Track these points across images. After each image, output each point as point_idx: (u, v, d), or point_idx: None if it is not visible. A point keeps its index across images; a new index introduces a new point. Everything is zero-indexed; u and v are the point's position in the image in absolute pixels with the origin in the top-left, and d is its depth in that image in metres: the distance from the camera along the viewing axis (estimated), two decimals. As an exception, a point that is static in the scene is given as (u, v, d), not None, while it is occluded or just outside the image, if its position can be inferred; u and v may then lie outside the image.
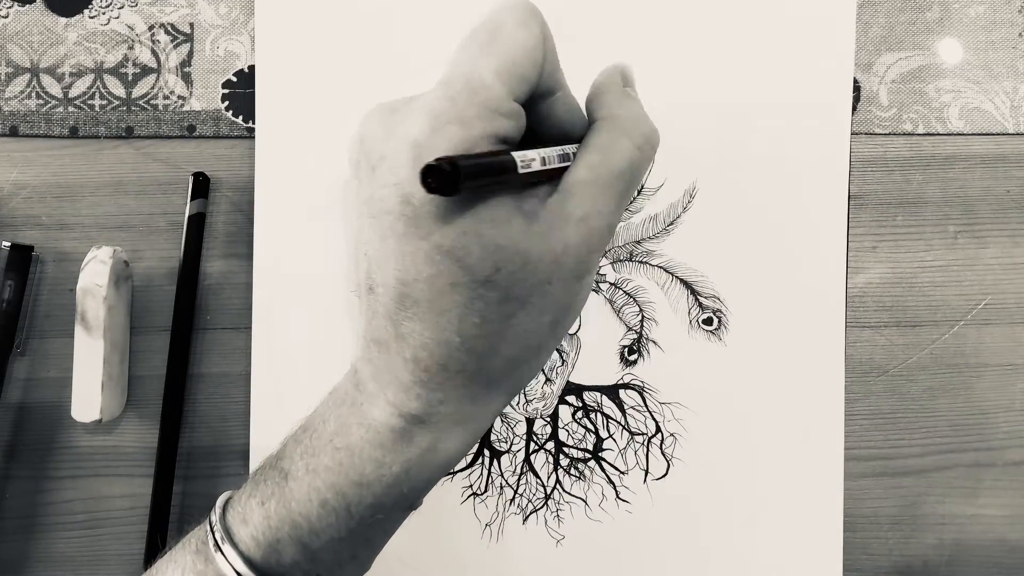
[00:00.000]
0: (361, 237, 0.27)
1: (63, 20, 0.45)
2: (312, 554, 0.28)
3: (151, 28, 0.45)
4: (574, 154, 0.28)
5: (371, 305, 0.27)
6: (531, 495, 0.44)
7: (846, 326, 0.44)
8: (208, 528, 0.29)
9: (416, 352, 0.26)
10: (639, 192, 0.44)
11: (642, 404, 0.44)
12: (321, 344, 0.44)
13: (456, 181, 0.22)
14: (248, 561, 0.28)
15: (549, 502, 0.44)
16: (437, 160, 0.22)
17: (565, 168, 0.27)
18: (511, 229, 0.25)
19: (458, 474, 0.44)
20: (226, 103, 0.45)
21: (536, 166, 0.26)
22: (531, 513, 0.44)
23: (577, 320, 0.44)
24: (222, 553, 0.28)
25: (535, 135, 0.28)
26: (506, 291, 0.26)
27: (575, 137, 0.29)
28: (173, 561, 0.30)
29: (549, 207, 0.27)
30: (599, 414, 0.44)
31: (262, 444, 0.43)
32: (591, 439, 0.44)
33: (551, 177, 0.27)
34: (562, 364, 0.44)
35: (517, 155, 0.25)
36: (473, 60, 0.25)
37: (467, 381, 0.27)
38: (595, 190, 0.27)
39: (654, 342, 0.44)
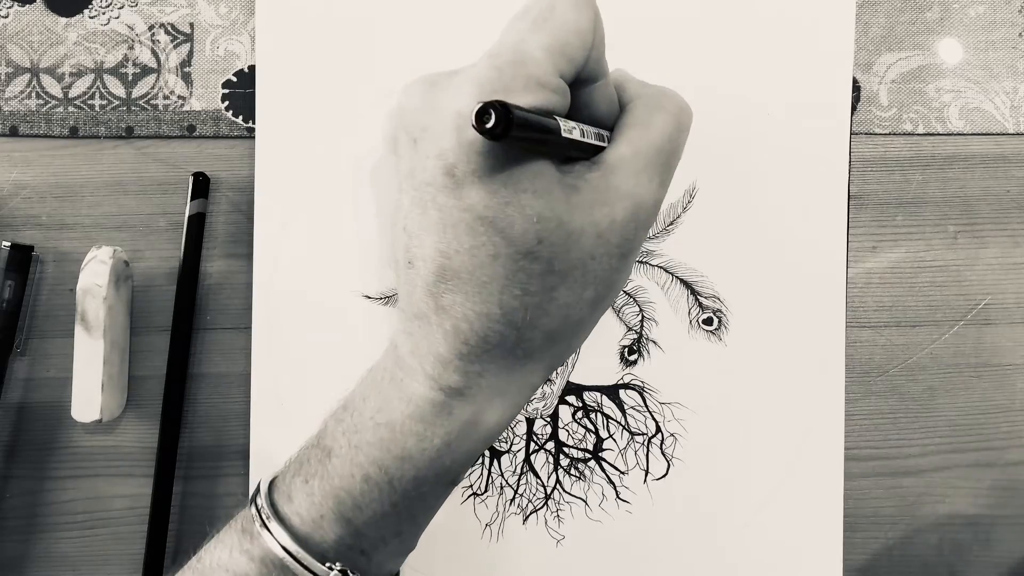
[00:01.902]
0: (399, 212, 0.27)
1: (63, 20, 0.45)
2: (356, 530, 0.28)
3: (151, 28, 0.45)
4: (609, 137, 0.28)
5: (410, 279, 0.27)
6: (531, 495, 0.44)
7: (846, 326, 0.44)
8: (255, 507, 0.29)
9: (457, 324, 0.26)
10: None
11: (642, 404, 0.44)
12: (321, 344, 0.44)
13: (509, 124, 0.22)
14: (294, 537, 0.28)
15: (549, 502, 0.44)
16: (490, 102, 0.23)
17: (601, 149, 0.28)
18: (553, 201, 0.26)
19: (458, 474, 0.44)
20: (226, 103, 0.45)
21: (576, 135, 0.26)
22: (531, 513, 0.44)
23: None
24: (268, 530, 0.28)
25: (574, 118, 0.28)
26: (548, 263, 0.26)
27: (610, 128, 0.29)
28: (220, 542, 0.30)
29: (591, 181, 0.27)
30: (599, 414, 0.44)
31: (262, 444, 0.43)
32: (591, 439, 0.44)
33: (587, 154, 0.27)
34: (562, 364, 0.44)
35: (560, 120, 0.26)
36: (522, 34, 0.26)
37: (506, 354, 0.27)
38: (638, 165, 0.27)
39: (654, 342, 0.44)
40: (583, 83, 0.28)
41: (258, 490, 0.30)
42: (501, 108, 0.23)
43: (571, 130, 0.26)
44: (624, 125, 0.28)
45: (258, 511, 0.29)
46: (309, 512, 0.28)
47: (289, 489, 0.29)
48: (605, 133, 0.28)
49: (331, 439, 0.29)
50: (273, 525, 0.28)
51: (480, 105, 0.23)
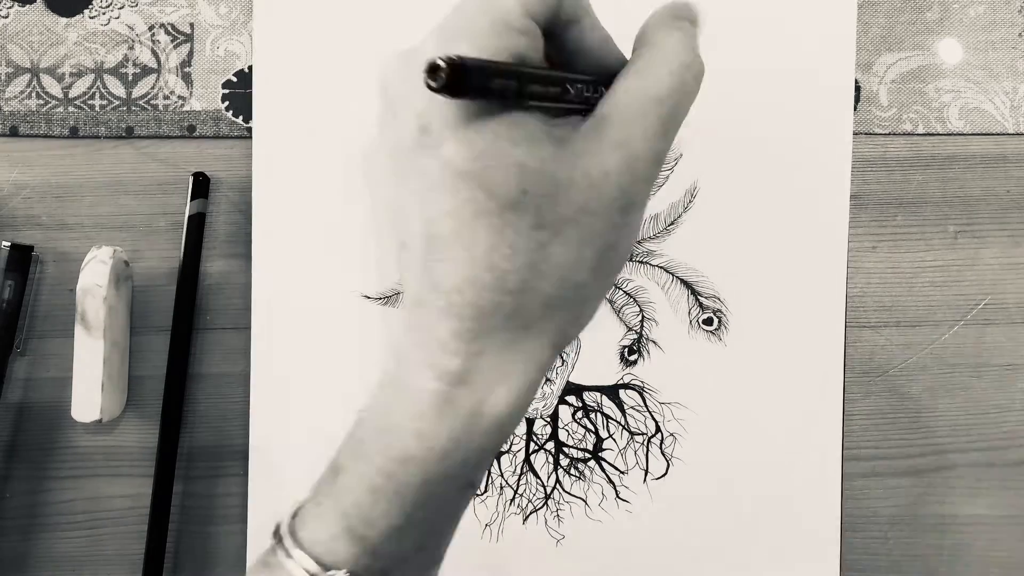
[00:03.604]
0: (392, 193, 0.27)
1: (63, 20, 0.45)
2: (371, 548, 0.27)
3: (151, 28, 0.45)
4: (605, 88, 0.27)
5: (407, 263, 0.26)
6: (531, 495, 0.44)
7: (846, 326, 0.44)
8: (275, 537, 0.28)
9: (449, 298, 0.25)
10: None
11: (642, 404, 0.44)
12: (321, 344, 0.44)
13: (462, 78, 0.21)
14: (313, 562, 0.27)
15: (549, 502, 0.44)
16: (440, 57, 0.21)
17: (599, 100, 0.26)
18: (538, 150, 0.24)
19: (458, 474, 0.44)
20: (226, 103, 0.45)
21: (540, 86, 0.25)
22: (531, 513, 0.44)
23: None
24: (289, 556, 0.27)
25: (571, 70, 0.27)
26: (536, 216, 0.25)
27: (612, 70, 0.27)
28: None
29: (583, 133, 0.26)
30: (599, 414, 0.44)
31: (262, 444, 0.43)
32: (591, 439, 0.44)
33: (584, 107, 0.26)
34: (562, 364, 0.44)
35: (535, 68, 0.24)
36: None
37: (503, 324, 0.26)
38: (632, 114, 0.26)
39: (654, 342, 0.44)
40: (567, 25, 0.27)
41: (283, 519, 0.29)
42: (445, 62, 0.21)
43: (547, 79, 0.25)
44: (623, 74, 0.27)
45: (279, 540, 0.28)
46: (321, 535, 0.27)
47: (304, 515, 0.28)
48: (603, 85, 0.27)
49: (341, 456, 0.28)
50: (295, 553, 0.27)
51: (429, 63, 0.21)
